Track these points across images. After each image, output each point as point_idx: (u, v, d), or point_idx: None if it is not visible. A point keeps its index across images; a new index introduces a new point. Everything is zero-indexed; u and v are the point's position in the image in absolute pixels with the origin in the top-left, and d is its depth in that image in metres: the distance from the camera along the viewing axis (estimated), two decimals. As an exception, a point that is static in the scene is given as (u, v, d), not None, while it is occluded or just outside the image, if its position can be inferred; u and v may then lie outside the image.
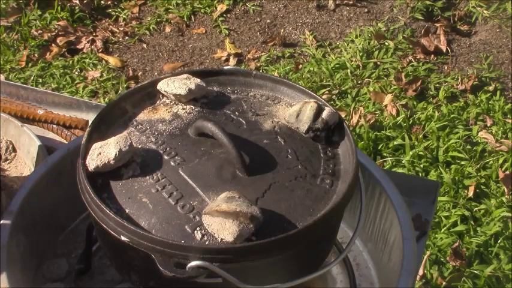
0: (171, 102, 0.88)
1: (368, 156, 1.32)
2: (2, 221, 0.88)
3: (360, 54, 2.48)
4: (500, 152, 2.04)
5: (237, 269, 0.70)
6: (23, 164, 1.21)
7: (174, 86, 0.86)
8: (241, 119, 0.85)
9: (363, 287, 0.97)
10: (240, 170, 0.75)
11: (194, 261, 0.67)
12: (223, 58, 2.56)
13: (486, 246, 1.76)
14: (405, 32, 2.61)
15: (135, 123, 0.85)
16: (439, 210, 1.84)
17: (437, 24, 2.63)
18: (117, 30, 2.73)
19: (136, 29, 2.74)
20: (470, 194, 1.90)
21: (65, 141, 1.25)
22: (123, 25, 2.77)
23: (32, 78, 2.43)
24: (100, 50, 2.62)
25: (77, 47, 2.64)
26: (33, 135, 1.17)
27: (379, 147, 2.06)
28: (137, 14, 2.84)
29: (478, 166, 1.99)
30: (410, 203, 1.02)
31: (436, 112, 2.20)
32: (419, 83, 2.33)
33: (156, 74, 2.52)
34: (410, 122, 2.16)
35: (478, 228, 1.80)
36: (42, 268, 0.96)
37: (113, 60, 2.56)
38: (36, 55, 2.58)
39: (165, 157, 0.78)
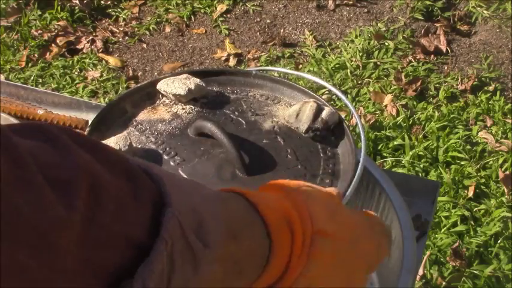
0: (170, 102, 0.88)
1: (368, 156, 1.32)
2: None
3: (360, 54, 2.48)
4: (500, 152, 2.04)
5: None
6: (23, 164, 1.21)
7: (174, 86, 0.85)
8: (240, 119, 0.85)
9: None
10: (240, 170, 0.75)
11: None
12: (223, 58, 2.56)
13: (486, 246, 1.76)
14: (405, 32, 2.61)
15: (134, 123, 0.85)
16: (439, 210, 1.84)
17: (437, 24, 2.63)
18: (117, 30, 2.73)
19: (136, 29, 2.74)
20: (470, 194, 1.90)
21: (64, 141, 1.25)
22: (123, 25, 2.77)
23: (32, 78, 2.44)
24: (100, 50, 2.62)
25: (77, 47, 2.64)
26: (33, 135, 1.17)
27: (379, 147, 2.06)
28: (137, 14, 2.84)
29: (478, 166, 1.99)
30: (410, 203, 1.02)
31: (436, 112, 2.20)
32: (419, 83, 2.33)
33: (156, 74, 2.52)
34: (410, 122, 2.16)
35: (478, 228, 1.80)
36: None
37: (113, 60, 2.56)
38: (36, 55, 2.58)
39: (165, 157, 0.78)
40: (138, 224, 0.35)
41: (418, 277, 1.61)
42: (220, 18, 2.76)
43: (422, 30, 2.58)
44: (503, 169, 1.97)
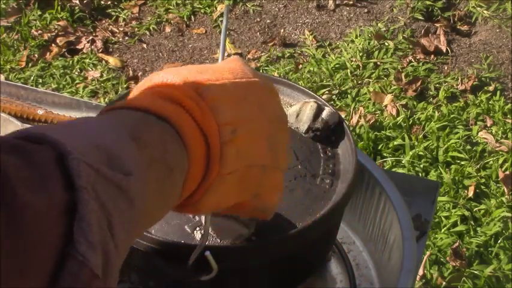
0: (170, 102, 0.88)
1: (368, 156, 1.32)
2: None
3: (360, 54, 2.48)
4: (500, 152, 2.04)
5: (237, 269, 0.70)
6: (23, 164, 1.21)
7: (174, 85, 0.85)
8: (241, 119, 0.85)
9: (363, 287, 0.97)
10: (240, 170, 0.75)
11: (193, 261, 0.67)
12: (223, 58, 2.56)
13: (486, 246, 1.76)
14: (405, 32, 2.61)
15: (134, 123, 0.85)
16: (439, 210, 1.84)
17: (437, 24, 2.63)
18: (117, 30, 2.73)
19: (136, 29, 2.74)
20: (470, 194, 1.90)
21: (64, 141, 1.25)
22: (123, 25, 2.77)
23: (32, 78, 2.44)
24: (100, 50, 2.62)
25: (77, 47, 2.64)
26: (33, 135, 1.17)
27: (379, 147, 2.06)
28: (137, 14, 2.84)
29: (478, 166, 1.99)
30: (410, 203, 1.02)
31: (436, 112, 2.20)
32: (419, 83, 2.33)
33: (156, 74, 2.52)
34: (410, 122, 2.16)
35: (478, 228, 1.80)
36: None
37: (113, 60, 2.56)
38: (36, 55, 2.58)
39: (165, 157, 0.78)
40: (56, 185, 0.34)
41: (418, 277, 1.61)
42: (220, 18, 2.76)
43: (422, 30, 2.58)
44: (503, 169, 1.97)
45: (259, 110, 0.50)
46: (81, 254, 0.33)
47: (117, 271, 0.37)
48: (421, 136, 2.09)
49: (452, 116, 2.19)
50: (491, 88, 2.34)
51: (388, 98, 2.26)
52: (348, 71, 2.41)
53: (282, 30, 2.68)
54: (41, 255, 0.32)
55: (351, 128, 2.11)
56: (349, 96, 2.30)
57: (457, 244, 1.73)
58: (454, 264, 1.70)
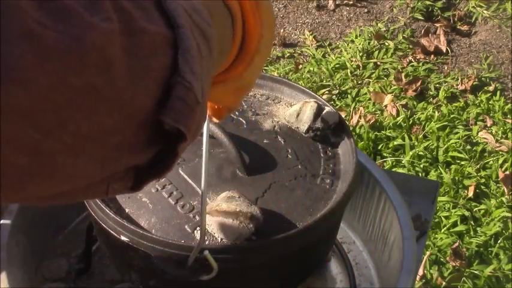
0: (171, 102, 0.88)
1: (368, 156, 1.32)
2: (2, 221, 0.88)
3: (360, 54, 2.48)
4: (500, 152, 2.04)
5: (237, 269, 0.70)
6: (23, 164, 1.21)
7: (174, 85, 0.85)
8: (241, 119, 0.85)
9: (363, 287, 0.97)
10: (240, 170, 0.75)
11: (194, 260, 0.67)
12: (223, 58, 2.56)
13: (486, 246, 1.76)
14: (405, 32, 2.61)
15: (135, 123, 0.85)
16: (439, 210, 1.84)
17: (437, 24, 2.63)
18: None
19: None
20: (470, 194, 1.90)
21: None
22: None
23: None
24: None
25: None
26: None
27: (379, 147, 2.06)
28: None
29: (478, 166, 1.99)
30: (411, 203, 1.02)
31: (436, 112, 2.20)
32: (419, 83, 2.33)
33: (156, 74, 2.52)
34: (410, 122, 2.16)
35: (478, 229, 1.80)
36: (42, 268, 0.96)
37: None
38: (36, 55, 2.59)
39: (165, 157, 0.78)
40: (159, 21, 0.36)
41: (418, 277, 1.61)
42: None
43: (422, 30, 2.58)
44: (503, 169, 1.97)
45: (271, 31, 0.57)
46: (187, 81, 0.36)
47: (207, 103, 0.41)
48: (421, 136, 2.09)
49: (452, 116, 2.19)
50: (491, 88, 2.34)
51: (388, 98, 2.26)
52: (348, 71, 2.41)
53: (282, 30, 2.68)
54: (152, 78, 0.35)
55: (351, 128, 2.11)
56: (349, 96, 2.30)
57: (457, 244, 1.73)
58: (454, 264, 1.70)
